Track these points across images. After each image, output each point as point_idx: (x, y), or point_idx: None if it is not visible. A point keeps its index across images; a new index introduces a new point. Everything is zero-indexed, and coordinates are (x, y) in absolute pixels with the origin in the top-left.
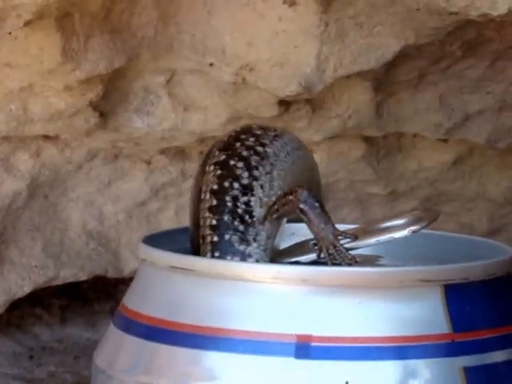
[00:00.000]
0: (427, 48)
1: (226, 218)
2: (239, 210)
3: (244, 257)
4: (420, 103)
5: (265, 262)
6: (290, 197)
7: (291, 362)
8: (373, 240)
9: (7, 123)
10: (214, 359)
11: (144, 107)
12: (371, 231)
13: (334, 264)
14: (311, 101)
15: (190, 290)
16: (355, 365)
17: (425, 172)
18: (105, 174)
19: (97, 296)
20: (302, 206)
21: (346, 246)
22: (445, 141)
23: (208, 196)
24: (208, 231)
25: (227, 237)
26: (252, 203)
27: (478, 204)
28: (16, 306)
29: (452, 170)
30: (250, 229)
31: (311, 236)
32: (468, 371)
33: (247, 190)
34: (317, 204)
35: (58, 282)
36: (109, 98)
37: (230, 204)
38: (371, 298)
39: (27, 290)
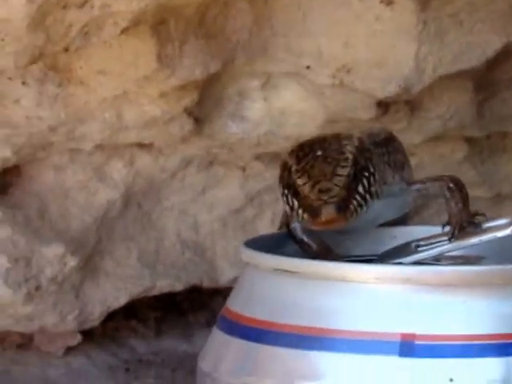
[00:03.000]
0: None
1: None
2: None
3: None
4: None
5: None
6: (443, 177)
7: (395, 360)
8: (475, 239)
9: (101, 132)
10: (318, 359)
11: (239, 112)
12: (474, 231)
13: (454, 241)
14: (410, 102)
15: (293, 291)
16: (459, 362)
17: None
18: (199, 182)
19: (192, 308)
20: (451, 185)
21: (449, 246)
22: None
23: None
24: None
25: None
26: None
27: None
28: (110, 318)
29: None
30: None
31: (412, 238)
32: None
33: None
34: (463, 190)
35: (154, 292)
36: (203, 103)
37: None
38: (474, 296)
39: (123, 301)
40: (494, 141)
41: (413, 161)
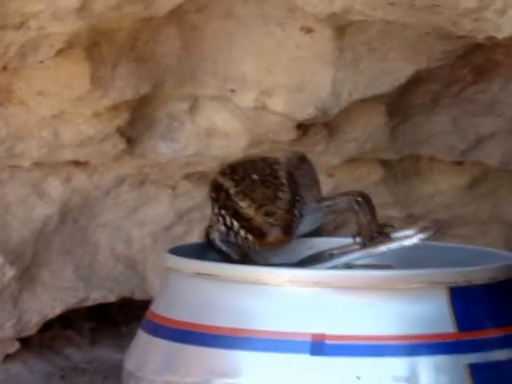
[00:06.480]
0: (439, 73)
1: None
2: None
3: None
4: (434, 126)
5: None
6: (351, 192)
7: (307, 358)
8: (384, 248)
9: (39, 149)
10: (236, 357)
11: (169, 133)
12: (382, 240)
13: (367, 248)
14: (328, 125)
15: (213, 294)
16: (366, 361)
17: (441, 195)
18: (131, 200)
19: (124, 319)
20: (359, 199)
21: (359, 253)
22: (460, 164)
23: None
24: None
25: None
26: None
27: (493, 227)
28: (48, 327)
29: (468, 194)
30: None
31: (326, 248)
32: (472, 367)
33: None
34: (371, 203)
35: (89, 303)
36: (135, 124)
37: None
38: (381, 299)
39: (59, 310)
40: (407, 164)
41: (331, 182)
